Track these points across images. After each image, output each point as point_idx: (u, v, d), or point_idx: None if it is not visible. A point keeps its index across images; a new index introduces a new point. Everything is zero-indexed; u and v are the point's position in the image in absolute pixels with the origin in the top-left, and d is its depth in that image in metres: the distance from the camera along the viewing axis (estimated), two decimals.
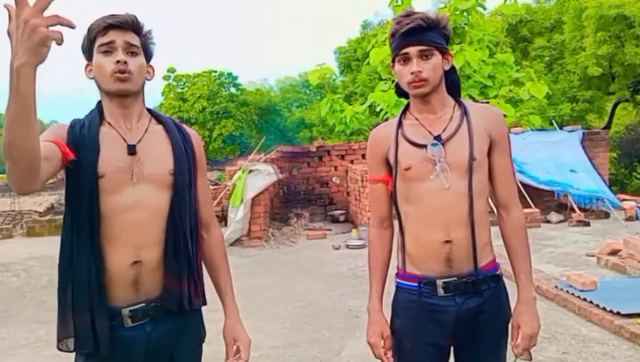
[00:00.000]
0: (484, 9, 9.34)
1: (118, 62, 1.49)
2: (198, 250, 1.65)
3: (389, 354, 1.76)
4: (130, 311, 1.51)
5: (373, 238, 1.84)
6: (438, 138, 1.65)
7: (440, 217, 1.64)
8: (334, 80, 21.58)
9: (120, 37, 1.51)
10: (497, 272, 1.74)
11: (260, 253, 7.89)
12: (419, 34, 1.61)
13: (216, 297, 1.76)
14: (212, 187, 11.84)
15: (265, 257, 7.61)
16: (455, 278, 1.65)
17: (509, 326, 1.74)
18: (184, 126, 1.70)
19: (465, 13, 8.72)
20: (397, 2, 8.91)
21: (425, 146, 1.66)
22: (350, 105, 9.20)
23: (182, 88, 25.63)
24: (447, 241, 1.63)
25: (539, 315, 1.72)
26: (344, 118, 9.25)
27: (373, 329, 1.77)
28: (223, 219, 9.85)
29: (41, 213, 11.85)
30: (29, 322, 4.84)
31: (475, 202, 1.63)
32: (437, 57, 1.64)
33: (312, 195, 11.39)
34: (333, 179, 11.44)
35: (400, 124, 1.73)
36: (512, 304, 1.75)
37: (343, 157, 11.62)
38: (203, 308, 1.70)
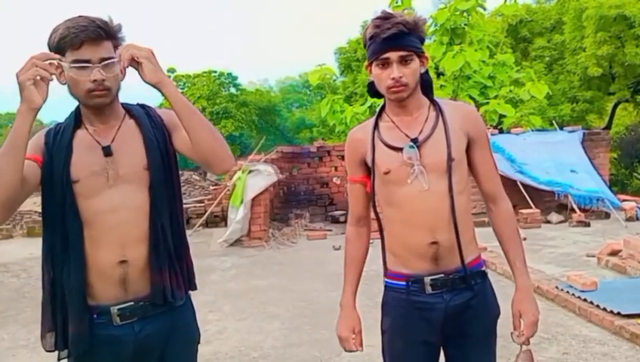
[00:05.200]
0: (484, 9, 9.36)
1: (95, 81, 1.47)
2: (183, 239, 1.64)
3: (360, 348, 1.82)
4: (118, 309, 1.52)
5: (349, 236, 1.86)
6: (414, 141, 1.66)
7: (424, 220, 1.65)
8: (334, 80, 21.58)
9: (95, 53, 1.46)
10: (483, 269, 1.76)
11: (260, 254, 7.88)
12: (400, 39, 1.61)
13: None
14: (212, 187, 11.85)
15: (265, 257, 7.60)
16: (442, 275, 1.67)
17: (511, 315, 1.73)
18: (154, 109, 1.67)
19: (465, 14, 8.73)
20: (397, 2, 8.92)
21: (402, 149, 1.67)
22: (350, 105, 9.21)
23: (182, 88, 25.68)
24: (434, 243, 1.65)
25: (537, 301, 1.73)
26: (344, 118, 9.26)
27: (344, 324, 1.84)
28: (223, 219, 9.85)
29: (41, 213, 11.84)
30: (28, 322, 4.83)
31: (456, 201, 1.65)
32: (416, 62, 1.64)
33: (313, 196, 11.38)
34: (334, 179, 11.44)
35: (376, 126, 1.74)
36: (500, 301, 1.77)
37: (343, 157, 11.57)
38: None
